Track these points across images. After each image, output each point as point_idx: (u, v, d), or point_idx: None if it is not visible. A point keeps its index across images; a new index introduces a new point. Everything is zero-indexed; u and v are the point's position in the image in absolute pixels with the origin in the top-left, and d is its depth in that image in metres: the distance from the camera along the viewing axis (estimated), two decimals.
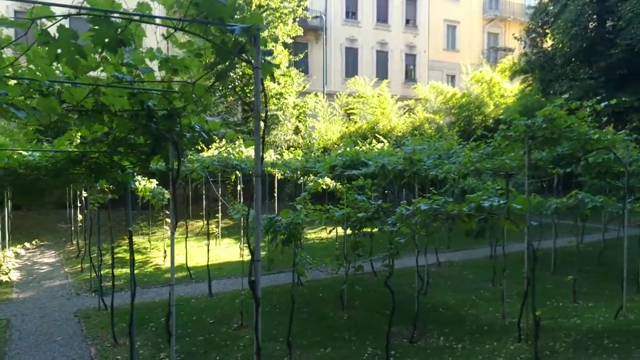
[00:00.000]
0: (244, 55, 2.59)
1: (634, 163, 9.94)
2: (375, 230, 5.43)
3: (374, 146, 14.12)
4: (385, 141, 16.09)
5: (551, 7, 24.16)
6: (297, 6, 21.64)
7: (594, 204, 8.86)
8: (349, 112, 25.97)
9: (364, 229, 5.08)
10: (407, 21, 36.07)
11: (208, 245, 10.16)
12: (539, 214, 11.10)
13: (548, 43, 24.67)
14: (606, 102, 5.74)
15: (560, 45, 22.68)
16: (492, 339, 6.42)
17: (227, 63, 2.80)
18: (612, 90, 19.80)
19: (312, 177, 13.11)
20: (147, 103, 3.23)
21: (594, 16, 21.93)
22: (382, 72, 34.27)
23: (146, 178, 11.13)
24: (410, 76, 36.07)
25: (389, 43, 35.18)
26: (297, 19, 22.03)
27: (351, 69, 33.00)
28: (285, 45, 21.85)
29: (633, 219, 10.38)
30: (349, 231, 5.14)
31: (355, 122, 24.28)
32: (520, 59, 26.20)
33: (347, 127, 23.56)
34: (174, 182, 3.71)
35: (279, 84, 21.32)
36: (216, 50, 2.67)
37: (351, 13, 34.16)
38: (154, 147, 3.81)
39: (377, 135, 19.34)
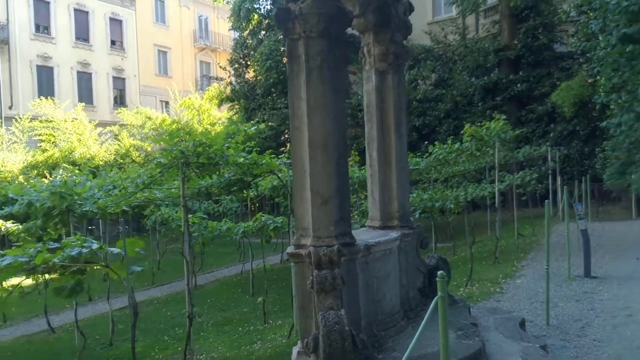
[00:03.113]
0: None
1: None
2: None
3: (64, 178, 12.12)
4: (77, 171, 14.13)
5: (250, 41, 26.02)
6: None
7: (276, 225, 9.26)
8: (37, 139, 22.30)
9: None
10: (113, 42, 33.71)
11: None
12: (229, 238, 11.19)
13: (250, 74, 26.40)
14: (255, 127, 5.80)
15: (260, 76, 24.48)
16: None
17: None
18: None
19: None
20: None
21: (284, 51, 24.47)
22: (86, 95, 31.07)
23: None
24: (120, 101, 33.72)
25: (92, 64, 32.15)
26: None
27: (46, 90, 28.63)
28: None
29: None
30: None
31: (44, 151, 20.91)
32: (227, 88, 27.29)
33: (34, 156, 20.06)
34: None
35: None
36: None
37: (42, 27, 29.91)
38: None
39: (66, 165, 16.95)
